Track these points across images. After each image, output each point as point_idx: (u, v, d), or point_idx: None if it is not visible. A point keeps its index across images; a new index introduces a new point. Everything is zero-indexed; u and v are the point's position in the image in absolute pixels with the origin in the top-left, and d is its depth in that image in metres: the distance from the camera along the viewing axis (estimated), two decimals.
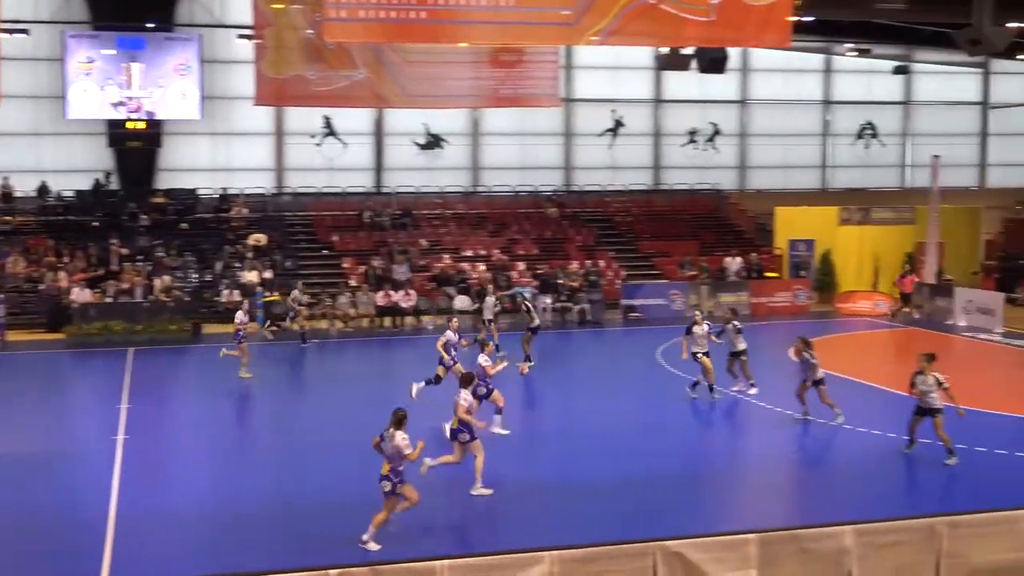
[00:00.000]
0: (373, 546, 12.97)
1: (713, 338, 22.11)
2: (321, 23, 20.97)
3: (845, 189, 46.70)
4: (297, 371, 27.65)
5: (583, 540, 11.46)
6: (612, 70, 43.76)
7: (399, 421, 13.40)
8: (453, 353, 21.41)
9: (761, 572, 11.54)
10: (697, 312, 23.36)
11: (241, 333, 24.92)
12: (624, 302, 34.60)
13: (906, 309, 34.49)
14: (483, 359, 18.87)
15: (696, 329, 22.01)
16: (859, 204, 40.90)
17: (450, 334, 21.60)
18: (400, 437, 13.21)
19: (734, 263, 36.86)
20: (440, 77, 32.92)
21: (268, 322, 31.27)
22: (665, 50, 36.83)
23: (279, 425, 21.21)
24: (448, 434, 15.90)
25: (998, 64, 47.43)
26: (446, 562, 10.81)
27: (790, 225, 39.57)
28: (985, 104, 48.55)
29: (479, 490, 15.55)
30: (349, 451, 17.59)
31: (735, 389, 22.53)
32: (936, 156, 37.03)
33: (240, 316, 25.22)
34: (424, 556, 10.98)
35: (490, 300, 28.79)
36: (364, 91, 32.67)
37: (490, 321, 28.06)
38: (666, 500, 15.60)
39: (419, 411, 20.84)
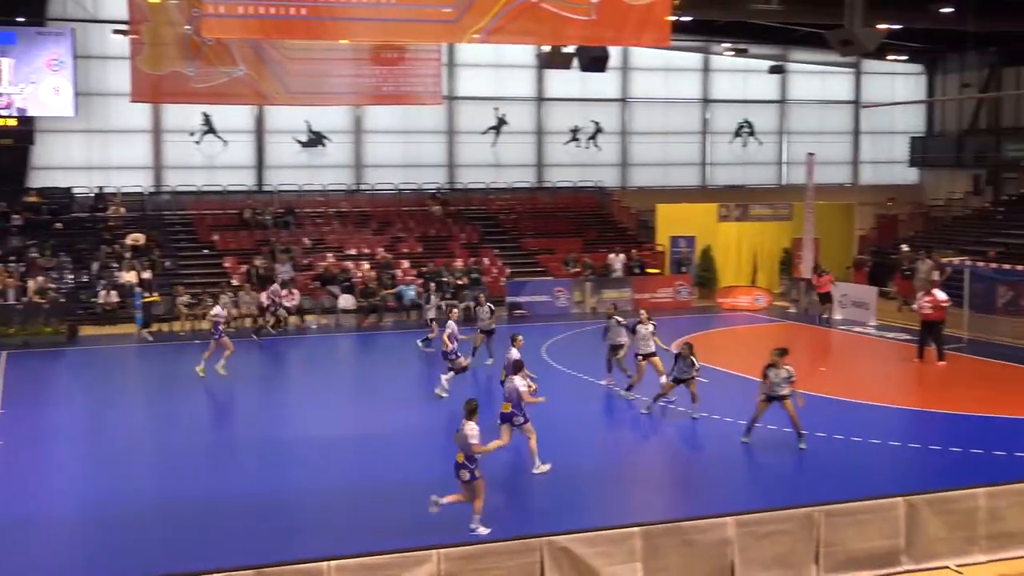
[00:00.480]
0: (483, 530, 13.43)
1: (657, 340, 21.75)
2: (199, 19, 20.58)
3: (724, 186, 47.57)
4: (178, 372, 27.06)
5: (470, 537, 11.48)
6: (495, 68, 43.88)
7: (471, 412, 13.92)
8: (455, 345, 22.25)
9: (646, 565, 11.68)
10: (643, 311, 22.97)
11: (220, 327, 24.79)
12: (509, 299, 34.72)
13: (825, 309, 33.13)
14: (515, 353, 19.38)
15: (641, 328, 21.74)
16: (738, 201, 41.73)
17: (452, 324, 22.59)
18: (469, 428, 13.67)
19: (617, 260, 37.27)
20: (322, 74, 32.60)
21: (146, 323, 30.69)
22: (547, 48, 37.10)
23: (160, 427, 20.82)
24: (499, 419, 16.63)
25: (869, 64, 48.84)
26: (333, 563, 10.71)
27: (671, 222, 40.14)
28: (857, 103, 49.87)
29: (540, 468, 16.36)
30: (226, 453, 17.40)
31: (605, 382, 22.80)
32: (811, 154, 37.90)
33: (218, 310, 25.23)
34: (312, 557, 10.86)
35: (433, 299, 29.46)
36: (244, 88, 32.18)
37: (432, 320, 28.47)
38: (552, 496, 15.72)
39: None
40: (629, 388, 21.76)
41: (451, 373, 22.32)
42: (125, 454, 18.58)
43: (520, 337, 20.35)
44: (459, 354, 22.59)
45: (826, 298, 33.10)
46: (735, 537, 11.99)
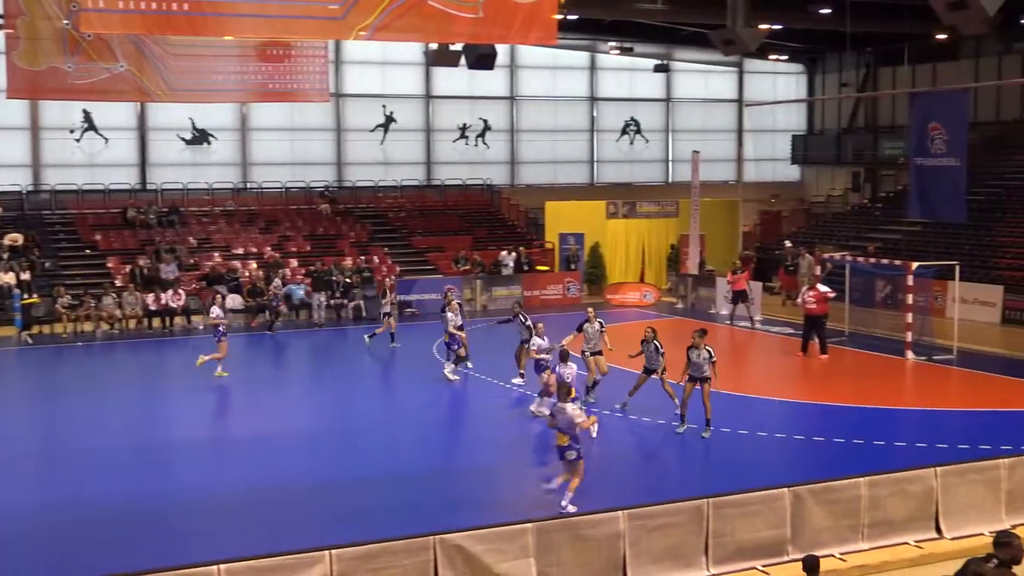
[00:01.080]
0: (572, 508, 14.00)
1: (607, 338, 21.66)
2: (77, 13, 20.09)
3: (612, 184, 47.99)
4: (59, 376, 26.40)
5: (362, 537, 11.40)
6: (382, 65, 43.66)
7: (567, 394, 15.08)
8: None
9: (539, 561, 11.73)
10: (590, 308, 22.98)
11: (222, 329, 24.32)
12: (399, 298, 34.54)
13: (742, 308, 31.91)
14: (539, 341, 20.40)
15: (587, 327, 21.59)
16: (625, 198, 42.21)
17: (451, 315, 23.31)
18: (571, 408, 14.58)
19: (508, 257, 37.39)
20: (205, 71, 31.99)
21: (26, 326, 29.87)
22: (434, 46, 37.10)
23: (41, 433, 20.29)
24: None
25: (751, 64, 49.78)
26: (223, 565, 10.54)
27: (560, 219, 40.44)
28: (740, 102, 50.76)
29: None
30: (112, 458, 17.02)
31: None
32: (696, 152, 38.52)
33: (217, 312, 24.77)
34: (200, 561, 10.67)
35: (390, 295, 29.44)
36: (126, 84, 31.42)
37: (387, 315, 28.58)
38: (446, 493, 15.71)
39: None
40: (593, 386, 21.30)
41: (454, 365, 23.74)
42: (6, 463, 18.04)
43: (541, 324, 21.02)
44: (461, 345, 23.79)
45: (741, 296, 31.92)
46: (626, 531, 12.11)
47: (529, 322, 22.44)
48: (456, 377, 23.65)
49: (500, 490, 16.46)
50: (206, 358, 24.13)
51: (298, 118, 42.11)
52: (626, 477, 16.90)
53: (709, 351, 18.59)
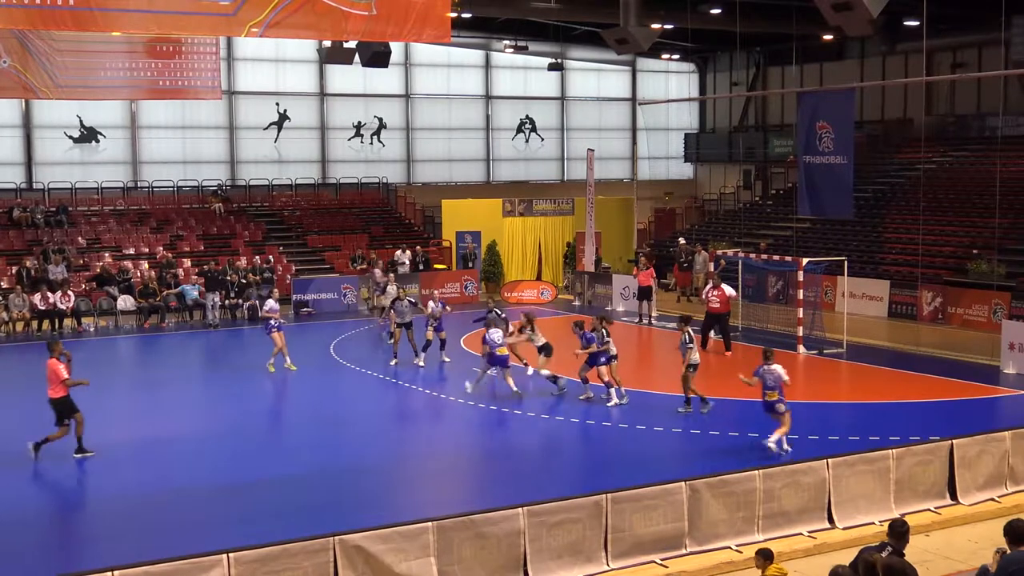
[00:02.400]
0: (789, 447, 16.83)
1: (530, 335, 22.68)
2: None
3: (508, 182, 48.13)
4: None
5: (260, 540, 11.25)
6: (276, 63, 43.19)
7: (769, 356, 17.11)
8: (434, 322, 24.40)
9: (440, 559, 11.71)
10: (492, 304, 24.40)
11: (273, 323, 24.12)
12: (295, 297, 34.24)
13: (646, 306, 31.60)
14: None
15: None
16: (522, 196, 42.39)
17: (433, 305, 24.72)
18: (780, 368, 16.87)
19: (404, 256, 37.25)
20: (93, 67, 31.31)
21: None
22: (328, 43, 36.80)
23: None
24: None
25: (644, 63, 50.35)
26: (118, 572, 10.31)
27: (457, 217, 40.45)
28: (634, 100, 51.29)
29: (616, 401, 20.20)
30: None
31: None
32: (591, 150, 38.83)
33: (272, 304, 24.62)
34: (96, 568, 10.43)
35: (391, 289, 29.19)
36: (8, 81, 30.58)
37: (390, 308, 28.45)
38: (343, 494, 15.60)
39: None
40: (555, 379, 21.90)
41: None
42: None
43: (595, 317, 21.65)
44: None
45: (645, 293, 31.44)
46: (526, 527, 12.15)
47: (505, 315, 24.01)
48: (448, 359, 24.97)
49: (403, 489, 16.39)
50: (272, 360, 24.17)
51: (190, 116, 41.46)
52: (525, 474, 16.94)
53: (690, 334, 19.94)
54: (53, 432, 17.34)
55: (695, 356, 19.94)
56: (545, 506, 12.44)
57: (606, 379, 20.65)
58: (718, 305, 26.75)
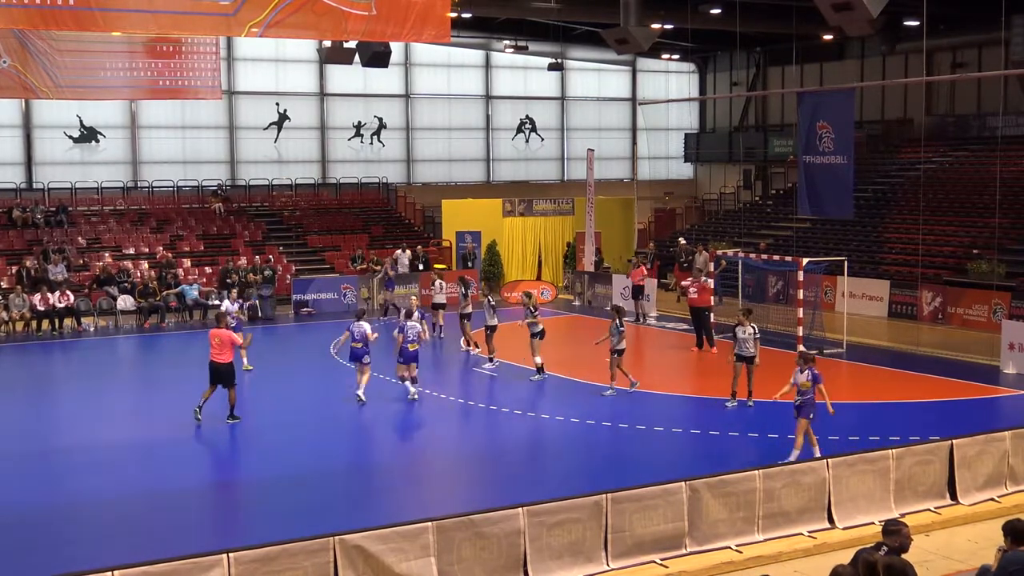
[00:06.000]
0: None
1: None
2: None
3: (508, 182, 48.13)
4: None
5: (261, 539, 11.25)
6: (276, 63, 43.18)
7: (808, 360, 17.01)
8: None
9: (440, 559, 11.70)
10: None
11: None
12: (296, 297, 34.23)
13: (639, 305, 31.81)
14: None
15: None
16: (522, 196, 42.38)
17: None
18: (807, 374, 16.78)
19: (404, 256, 37.21)
20: (94, 67, 31.27)
21: None
22: (328, 43, 36.79)
23: None
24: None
25: (644, 63, 50.34)
26: (118, 572, 10.30)
27: (457, 217, 40.44)
28: (634, 100, 51.28)
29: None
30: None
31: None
32: (591, 150, 38.82)
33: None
34: (96, 568, 10.42)
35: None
36: (8, 80, 30.55)
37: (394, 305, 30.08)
38: (343, 494, 15.59)
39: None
40: (540, 371, 23.03)
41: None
42: None
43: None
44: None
45: (637, 292, 31.70)
46: (526, 527, 12.14)
47: (496, 303, 25.48)
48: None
49: (403, 490, 16.38)
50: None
51: (190, 116, 41.45)
52: (525, 473, 16.94)
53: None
54: (206, 390, 19.44)
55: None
56: (545, 506, 12.42)
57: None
58: (696, 295, 26.89)
